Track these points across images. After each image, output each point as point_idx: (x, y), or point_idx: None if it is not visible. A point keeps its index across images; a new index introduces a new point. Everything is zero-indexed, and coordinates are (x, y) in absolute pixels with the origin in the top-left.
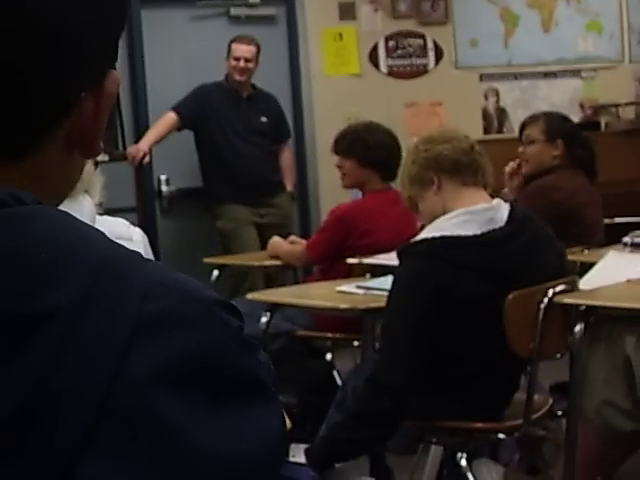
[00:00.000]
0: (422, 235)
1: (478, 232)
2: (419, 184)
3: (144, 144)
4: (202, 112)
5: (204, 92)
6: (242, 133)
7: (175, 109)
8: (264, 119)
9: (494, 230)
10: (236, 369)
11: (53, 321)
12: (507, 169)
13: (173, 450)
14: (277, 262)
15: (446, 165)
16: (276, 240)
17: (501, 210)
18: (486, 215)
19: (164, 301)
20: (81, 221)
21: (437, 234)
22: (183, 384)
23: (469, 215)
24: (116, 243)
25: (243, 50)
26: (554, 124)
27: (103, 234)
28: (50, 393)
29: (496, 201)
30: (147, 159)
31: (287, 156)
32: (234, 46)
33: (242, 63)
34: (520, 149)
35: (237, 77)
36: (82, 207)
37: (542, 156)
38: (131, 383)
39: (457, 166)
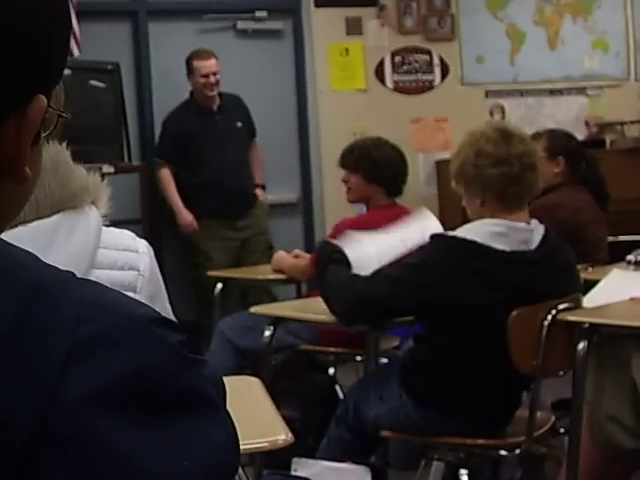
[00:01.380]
0: (458, 231)
1: (507, 249)
2: (465, 188)
3: (185, 215)
4: (179, 145)
5: (173, 123)
6: (221, 145)
7: (162, 159)
8: (239, 124)
9: (524, 252)
10: (175, 386)
11: None
12: None
13: (113, 474)
14: (281, 276)
15: (494, 190)
16: (280, 254)
17: (536, 233)
18: (522, 236)
19: (98, 323)
20: (13, 245)
21: (469, 237)
22: (120, 406)
23: (507, 229)
24: (50, 266)
25: (210, 65)
26: (556, 141)
27: (36, 257)
28: None
29: (534, 223)
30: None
31: (255, 153)
32: (198, 64)
33: (212, 78)
34: None
35: (210, 93)
36: (89, 218)
37: (543, 173)
38: (67, 408)
39: (503, 194)
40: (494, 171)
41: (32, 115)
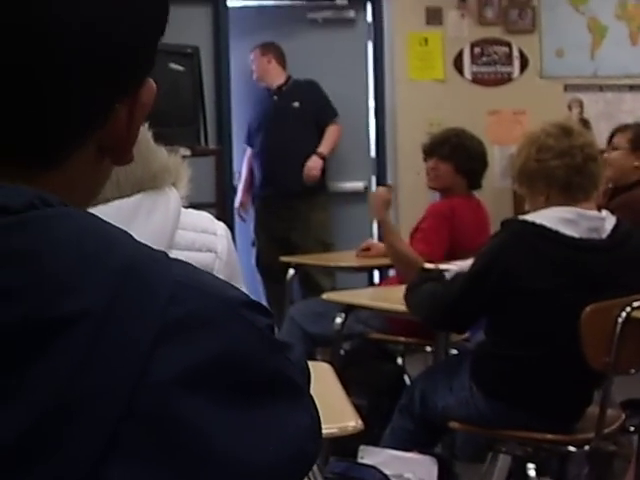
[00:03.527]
0: (528, 216)
1: (576, 236)
2: (528, 186)
3: (237, 198)
4: (248, 126)
5: (250, 107)
6: (273, 122)
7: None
8: (296, 104)
9: (594, 239)
10: (262, 369)
11: (79, 324)
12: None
13: (197, 453)
14: (352, 263)
15: (558, 183)
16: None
17: (607, 222)
18: (593, 223)
19: (190, 303)
20: (107, 222)
21: (538, 221)
22: (207, 387)
23: (577, 216)
24: (142, 244)
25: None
26: None
27: (129, 235)
28: (75, 396)
29: (605, 213)
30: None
31: (332, 128)
32: None
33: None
34: (605, 155)
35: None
36: (168, 198)
37: (623, 163)
38: (155, 386)
39: (569, 186)
40: (558, 162)
41: (145, 98)
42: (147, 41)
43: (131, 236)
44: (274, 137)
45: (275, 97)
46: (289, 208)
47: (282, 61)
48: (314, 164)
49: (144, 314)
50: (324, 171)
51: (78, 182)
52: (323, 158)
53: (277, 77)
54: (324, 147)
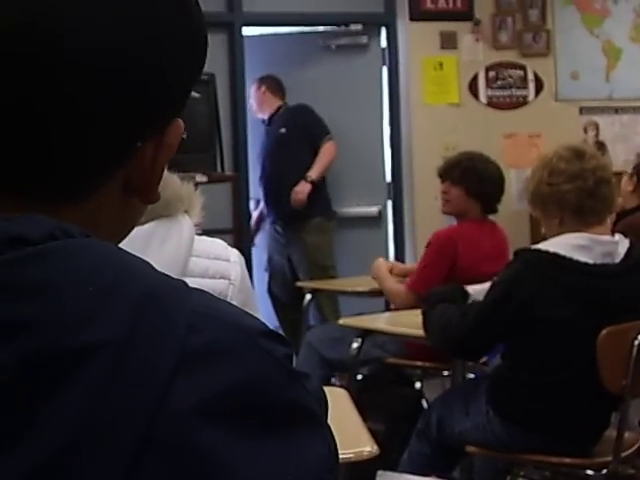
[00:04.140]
0: (541, 245)
1: (590, 262)
2: (542, 210)
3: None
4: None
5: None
6: (266, 150)
7: None
8: (283, 130)
9: (608, 264)
10: (280, 399)
11: (98, 355)
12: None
13: None
14: (369, 288)
15: (570, 207)
16: (379, 263)
17: (621, 246)
18: (606, 248)
19: (208, 333)
20: (127, 252)
21: (552, 249)
22: (225, 417)
23: (590, 242)
24: (161, 273)
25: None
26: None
27: (149, 264)
28: (95, 426)
29: (618, 237)
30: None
31: (323, 150)
32: None
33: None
34: None
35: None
36: (181, 226)
37: (623, 187)
38: (175, 416)
39: (581, 210)
40: (569, 186)
41: (171, 139)
42: (178, 80)
43: (151, 265)
44: (268, 164)
45: (266, 126)
46: (287, 232)
47: (277, 91)
48: (300, 188)
49: (163, 343)
50: (322, 193)
51: (102, 219)
52: (312, 182)
53: (271, 107)
54: (313, 171)
